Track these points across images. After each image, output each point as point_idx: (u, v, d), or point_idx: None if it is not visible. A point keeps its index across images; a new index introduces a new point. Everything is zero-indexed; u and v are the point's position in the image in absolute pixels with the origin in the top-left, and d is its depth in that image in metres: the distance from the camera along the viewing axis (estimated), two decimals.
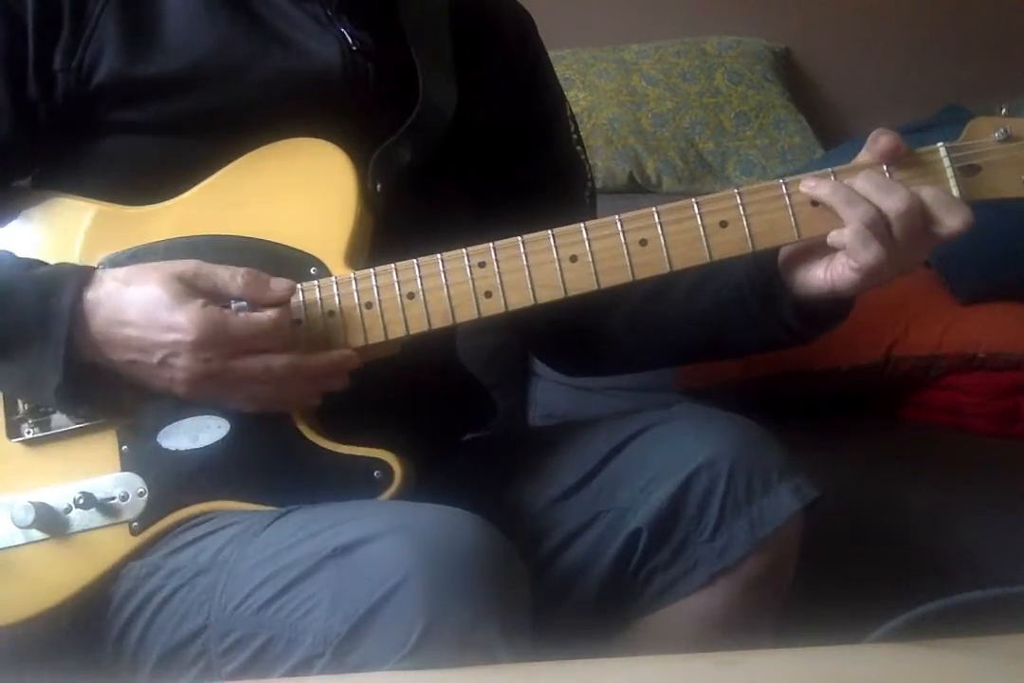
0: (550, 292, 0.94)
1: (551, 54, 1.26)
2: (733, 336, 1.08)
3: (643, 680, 0.78)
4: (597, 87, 2.15)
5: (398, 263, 0.95)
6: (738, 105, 2.18)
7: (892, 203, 0.90)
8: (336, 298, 0.95)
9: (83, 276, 0.92)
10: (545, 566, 1.02)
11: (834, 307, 1.00)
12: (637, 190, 2.12)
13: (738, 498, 0.99)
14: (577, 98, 2.11)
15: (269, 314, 0.91)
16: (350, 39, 1.04)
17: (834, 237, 0.92)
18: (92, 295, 0.91)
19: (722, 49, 2.24)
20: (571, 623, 0.99)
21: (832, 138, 2.21)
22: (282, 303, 0.93)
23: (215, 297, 0.91)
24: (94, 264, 0.99)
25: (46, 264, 0.97)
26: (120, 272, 0.94)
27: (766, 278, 1.01)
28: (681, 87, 2.17)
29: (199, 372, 0.90)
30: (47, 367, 0.90)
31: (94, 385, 0.93)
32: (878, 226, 0.90)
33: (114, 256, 0.99)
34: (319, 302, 0.95)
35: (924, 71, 2.32)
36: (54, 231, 1.02)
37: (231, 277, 0.92)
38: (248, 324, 0.91)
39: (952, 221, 0.91)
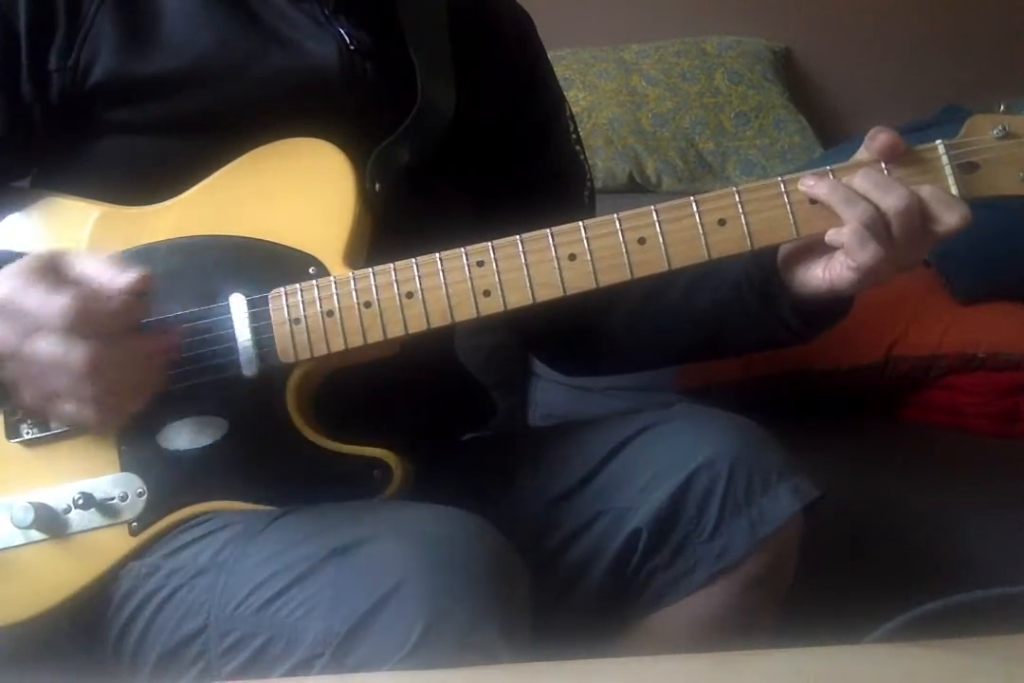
0: (549, 291, 0.94)
1: (551, 54, 1.26)
2: (732, 335, 1.08)
3: (643, 680, 0.78)
4: (597, 87, 2.15)
5: (396, 263, 0.95)
6: (738, 105, 2.18)
7: (891, 201, 0.90)
8: (335, 298, 0.95)
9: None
10: (545, 566, 1.02)
11: (833, 305, 1.00)
12: (637, 190, 2.13)
13: (738, 498, 0.99)
14: (577, 98, 2.11)
15: (69, 293, 0.82)
16: (348, 39, 1.04)
17: (832, 236, 0.92)
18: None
19: (722, 49, 2.24)
20: (571, 623, 0.99)
21: (832, 138, 2.21)
22: (133, 292, 0.84)
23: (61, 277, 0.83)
24: None
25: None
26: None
27: (765, 277, 1.01)
28: (681, 87, 2.17)
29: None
30: None
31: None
32: (876, 225, 0.90)
33: (113, 256, 0.99)
34: (317, 302, 0.95)
35: (924, 71, 2.32)
36: (52, 232, 1.02)
37: (79, 260, 0.84)
38: (45, 299, 0.81)
39: (950, 218, 0.91)
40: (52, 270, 0.83)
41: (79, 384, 0.84)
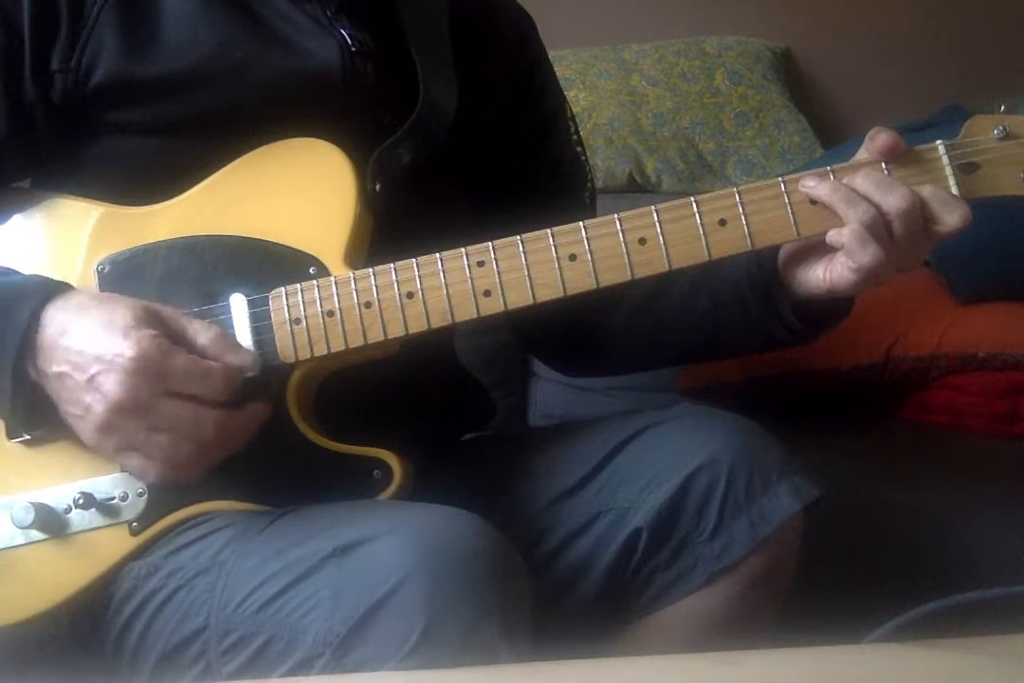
0: (549, 291, 0.94)
1: (551, 54, 1.26)
2: (733, 336, 1.08)
3: (643, 680, 0.78)
4: (597, 87, 2.15)
5: (397, 263, 0.95)
6: (738, 105, 2.18)
7: (893, 201, 0.90)
8: (335, 298, 0.95)
9: (50, 291, 0.90)
10: (545, 566, 1.02)
11: (834, 306, 1.00)
12: (637, 190, 2.13)
13: (738, 498, 0.99)
14: (577, 98, 2.11)
15: (220, 363, 0.88)
16: (350, 40, 1.04)
17: (833, 236, 0.92)
18: (56, 305, 0.89)
19: (722, 49, 2.24)
20: (571, 623, 0.99)
21: (832, 138, 2.21)
22: (241, 370, 0.90)
23: (176, 339, 0.88)
24: (93, 265, 0.99)
25: (17, 274, 0.96)
26: (96, 292, 0.93)
27: (765, 278, 1.01)
28: (681, 87, 2.17)
29: (122, 400, 0.84)
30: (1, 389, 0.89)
31: (46, 409, 0.90)
32: (877, 226, 0.90)
33: (114, 256, 0.99)
34: (318, 302, 0.95)
35: (924, 71, 2.32)
36: (54, 232, 1.02)
37: (203, 328, 0.90)
38: (194, 363, 0.87)
39: (951, 219, 0.91)
40: (169, 330, 0.88)
41: (183, 447, 0.87)
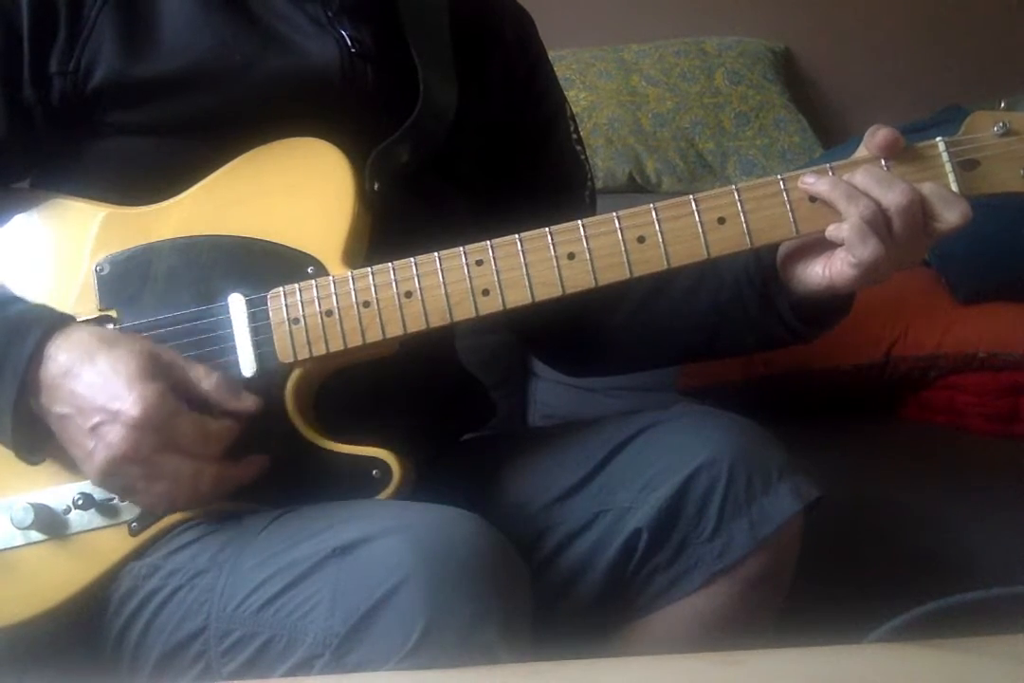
0: (548, 290, 0.94)
1: (551, 54, 1.25)
2: (732, 335, 1.08)
3: (643, 680, 0.78)
4: (597, 87, 2.15)
5: (395, 262, 0.95)
6: (738, 105, 2.18)
7: (893, 197, 0.90)
8: (333, 298, 0.95)
9: (52, 324, 0.91)
10: (545, 566, 1.02)
11: (834, 304, 1.00)
12: (637, 190, 2.12)
13: (738, 498, 0.99)
14: (577, 98, 2.11)
15: (222, 423, 0.90)
16: (349, 41, 1.04)
17: (832, 232, 0.92)
18: (60, 341, 0.90)
19: (722, 49, 2.24)
20: (571, 623, 0.99)
21: (832, 138, 2.21)
22: (241, 415, 0.92)
23: (181, 389, 0.90)
24: (92, 266, 0.99)
25: (23, 302, 0.96)
26: (99, 330, 0.93)
27: (764, 276, 1.01)
28: (681, 87, 2.17)
29: (124, 453, 0.87)
30: (1, 417, 0.90)
31: (48, 438, 0.92)
32: (877, 221, 0.90)
33: (113, 256, 0.99)
34: (316, 302, 0.95)
35: (924, 71, 2.32)
36: (53, 232, 1.02)
37: (205, 374, 0.91)
38: (197, 425, 0.89)
39: (951, 216, 0.91)
40: (172, 378, 0.90)
41: (181, 493, 0.90)
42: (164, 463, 0.88)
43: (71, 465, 0.96)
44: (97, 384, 0.88)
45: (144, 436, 0.87)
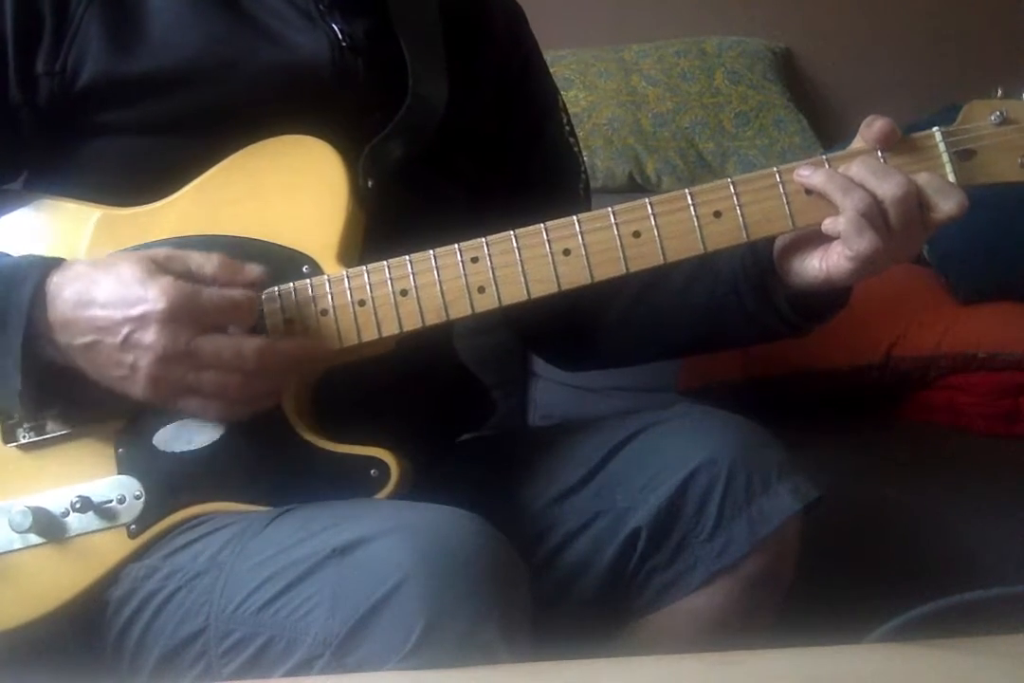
0: (544, 286, 0.94)
1: (551, 54, 1.26)
2: (730, 328, 1.08)
3: (643, 680, 0.78)
4: (597, 87, 2.15)
5: (391, 260, 0.95)
6: (738, 105, 2.18)
7: (889, 188, 0.90)
8: (329, 296, 0.95)
9: (46, 267, 0.90)
10: (545, 566, 1.02)
11: (831, 297, 1.00)
12: (637, 190, 2.12)
13: (737, 498, 0.99)
14: (577, 98, 2.11)
15: (241, 291, 0.90)
16: (340, 35, 1.04)
17: (828, 225, 0.92)
18: (58, 279, 0.89)
19: (722, 49, 2.24)
20: (571, 623, 0.99)
21: (832, 138, 2.20)
22: (254, 286, 0.92)
23: (187, 277, 0.89)
24: None
25: (9, 256, 0.96)
26: (93, 259, 0.92)
27: (761, 269, 1.01)
28: (681, 87, 2.17)
29: (167, 349, 0.86)
30: (6, 371, 0.88)
31: (58, 389, 0.91)
32: (873, 213, 0.90)
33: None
34: (312, 301, 0.95)
35: (924, 71, 2.32)
36: (45, 234, 1.02)
37: (205, 259, 0.91)
38: (221, 297, 0.88)
39: (947, 206, 0.90)
40: (176, 271, 0.89)
41: (231, 378, 0.89)
42: (203, 347, 0.87)
43: (69, 467, 0.97)
44: (112, 300, 0.87)
45: (178, 326, 0.86)
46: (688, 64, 2.20)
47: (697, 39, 2.26)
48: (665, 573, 1.01)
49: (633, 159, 2.12)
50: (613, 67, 2.18)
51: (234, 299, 0.89)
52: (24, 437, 0.98)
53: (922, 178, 0.91)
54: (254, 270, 0.92)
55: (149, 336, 0.86)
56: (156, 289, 0.86)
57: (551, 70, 1.28)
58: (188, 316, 0.87)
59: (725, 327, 1.09)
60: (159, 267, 0.89)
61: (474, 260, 0.94)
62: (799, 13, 2.35)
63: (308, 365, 0.94)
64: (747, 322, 1.05)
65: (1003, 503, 1.42)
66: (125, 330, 0.87)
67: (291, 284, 0.95)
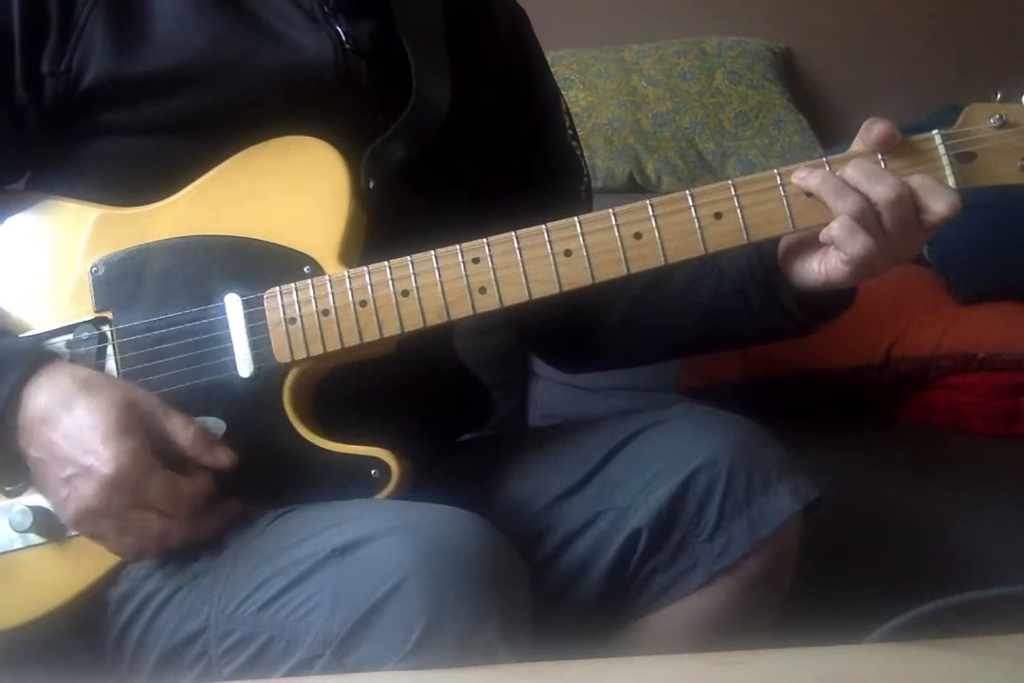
0: (545, 287, 0.94)
1: (551, 54, 1.26)
2: (734, 327, 1.08)
3: (643, 680, 0.78)
4: (597, 87, 2.15)
5: (392, 260, 0.95)
6: (738, 105, 2.18)
7: (882, 191, 0.90)
8: (330, 297, 0.95)
9: (35, 363, 0.91)
10: (545, 566, 1.02)
11: (836, 296, 1.00)
12: (637, 190, 2.12)
13: (738, 498, 0.99)
14: (577, 98, 2.11)
15: (194, 482, 0.90)
16: (344, 37, 1.04)
17: (824, 233, 0.92)
18: (42, 381, 0.90)
19: (722, 49, 2.24)
20: (571, 623, 0.99)
21: (832, 138, 2.20)
22: (220, 468, 0.92)
23: (157, 441, 0.90)
24: (87, 267, 0.99)
25: (7, 336, 0.96)
26: (80, 372, 0.92)
27: (767, 268, 1.01)
28: (681, 87, 2.17)
29: (94, 507, 0.88)
30: None
31: (24, 471, 0.93)
32: (866, 216, 0.90)
33: (108, 257, 0.99)
34: (313, 301, 0.95)
35: (924, 71, 2.32)
36: (48, 234, 1.02)
37: (182, 428, 0.91)
38: (168, 485, 0.89)
39: (938, 207, 0.90)
40: (149, 429, 0.90)
41: (150, 546, 0.91)
42: (134, 519, 0.88)
43: None
44: (73, 436, 0.88)
45: (115, 494, 0.87)
46: (688, 64, 2.20)
47: (697, 39, 2.26)
48: (665, 573, 1.01)
49: (633, 159, 2.12)
50: (613, 67, 2.18)
51: (179, 490, 0.89)
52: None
53: (915, 180, 0.91)
54: (225, 455, 0.92)
55: (86, 489, 0.87)
56: (112, 451, 0.87)
57: (551, 70, 1.28)
58: (128, 489, 0.87)
59: (729, 326, 1.08)
60: (133, 423, 0.89)
61: (475, 261, 0.94)
62: (799, 13, 2.35)
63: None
64: (752, 321, 1.05)
65: (1003, 503, 1.42)
66: (69, 470, 0.88)
67: (293, 284, 0.95)
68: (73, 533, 0.95)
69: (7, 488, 0.96)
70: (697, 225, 0.93)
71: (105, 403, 0.89)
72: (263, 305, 0.96)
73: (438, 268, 0.94)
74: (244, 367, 0.96)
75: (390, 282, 0.94)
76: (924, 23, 2.35)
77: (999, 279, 1.76)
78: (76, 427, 0.88)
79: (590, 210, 0.96)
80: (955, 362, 1.69)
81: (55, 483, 0.89)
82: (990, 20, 2.33)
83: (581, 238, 0.93)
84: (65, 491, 0.89)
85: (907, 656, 0.76)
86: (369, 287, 0.95)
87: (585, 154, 1.27)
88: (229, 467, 0.92)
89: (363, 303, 0.95)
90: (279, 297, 0.95)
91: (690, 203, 0.93)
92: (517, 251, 0.94)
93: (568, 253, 0.94)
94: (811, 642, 0.78)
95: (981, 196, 0.93)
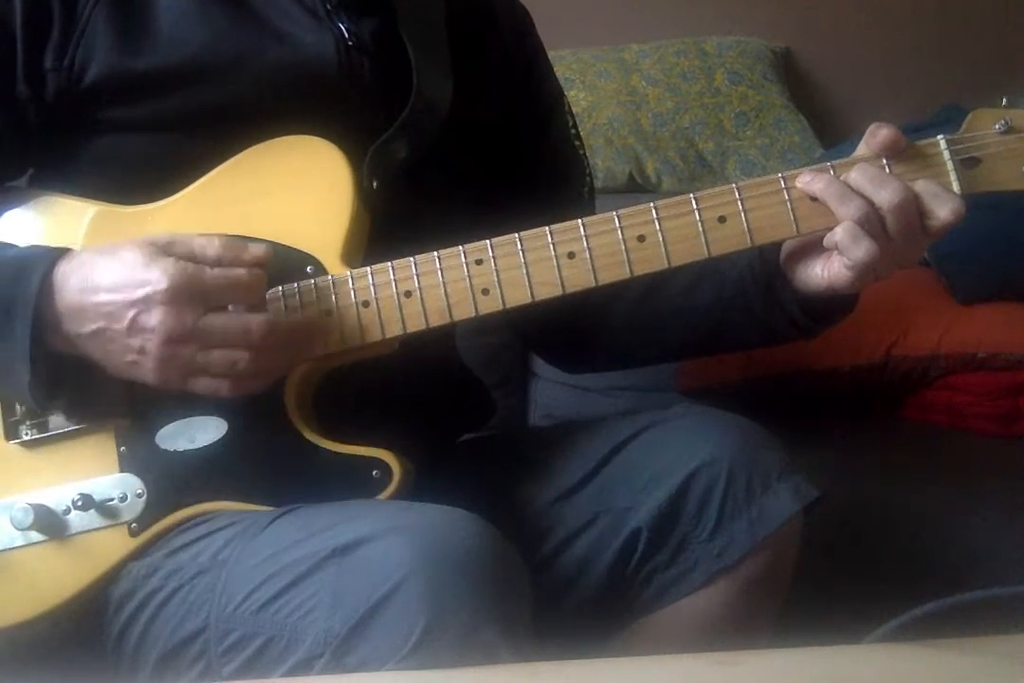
0: (548, 289, 0.94)
1: (551, 54, 1.25)
2: (735, 331, 1.08)
3: (643, 680, 0.78)
4: (597, 87, 2.15)
5: (395, 261, 0.95)
6: (738, 105, 2.18)
7: (886, 196, 0.90)
8: (333, 297, 0.95)
9: (54, 255, 0.91)
10: (545, 566, 1.02)
11: (838, 301, 1.00)
12: (637, 190, 2.13)
13: (738, 498, 0.99)
14: (577, 98, 2.11)
15: (245, 270, 0.90)
16: (347, 35, 1.04)
17: (828, 238, 0.92)
18: (64, 267, 0.89)
19: (722, 49, 2.24)
20: (571, 623, 0.99)
21: (832, 138, 2.21)
22: (260, 265, 0.91)
23: (191, 259, 0.89)
24: None
25: (14, 247, 0.96)
26: (97, 245, 0.92)
27: (769, 271, 1.01)
28: (681, 87, 2.17)
29: (173, 330, 0.86)
30: (16, 361, 0.88)
31: (65, 381, 0.91)
32: (870, 222, 0.90)
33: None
34: (316, 301, 0.95)
35: (924, 71, 2.32)
36: (50, 231, 1.02)
37: (207, 241, 0.90)
38: (225, 277, 0.88)
39: (942, 212, 0.90)
40: (179, 253, 0.89)
41: (239, 354, 0.88)
42: (209, 326, 0.87)
43: (70, 465, 0.97)
44: (116, 284, 0.87)
45: (182, 306, 0.86)
46: (688, 64, 2.20)
47: (697, 39, 2.26)
48: (665, 573, 1.01)
49: (633, 159, 2.12)
50: (613, 67, 2.18)
51: (238, 277, 0.89)
52: (27, 434, 0.98)
53: (920, 185, 0.91)
54: (259, 249, 0.91)
55: (154, 318, 0.86)
56: (158, 270, 0.86)
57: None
58: (192, 296, 0.87)
59: (730, 329, 1.09)
60: (161, 250, 0.89)
61: (478, 262, 0.94)
62: (799, 13, 2.35)
63: (310, 345, 0.94)
64: (753, 324, 1.05)
65: (1003, 503, 1.42)
66: (131, 314, 0.87)
67: (295, 284, 0.95)
68: (74, 531, 0.95)
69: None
70: (701, 228, 0.93)
71: (126, 250, 0.88)
72: (265, 305, 0.95)
73: (441, 269, 0.94)
74: None
75: (393, 283, 0.94)
76: (924, 23, 2.35)
77: (999, 279, 1.76)
78: (114, 277, 0.87)
79: (592, 211, 0.96)
80: (955, 362, 1.70)
81: (123, 338, 0.87)
82: (990, 20, 2.34)
83: (585, 240, 0.93)
84: (137, 340, 0.87)
85: (907, 656, 0.76)
86: (372, 288, 0.95)
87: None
88: (268, 259, 0.91)
89: (366, 303, 0.95)
90: (281, 297, 0.95)
91: (694, 206, 0.93)
92: (520, 253, 0.94)
93: (571, 255, 0.94)
94: (811, 642, 0.78)
95: (981, 197, 0.93)
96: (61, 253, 0.91)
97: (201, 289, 0.87)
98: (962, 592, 0.73)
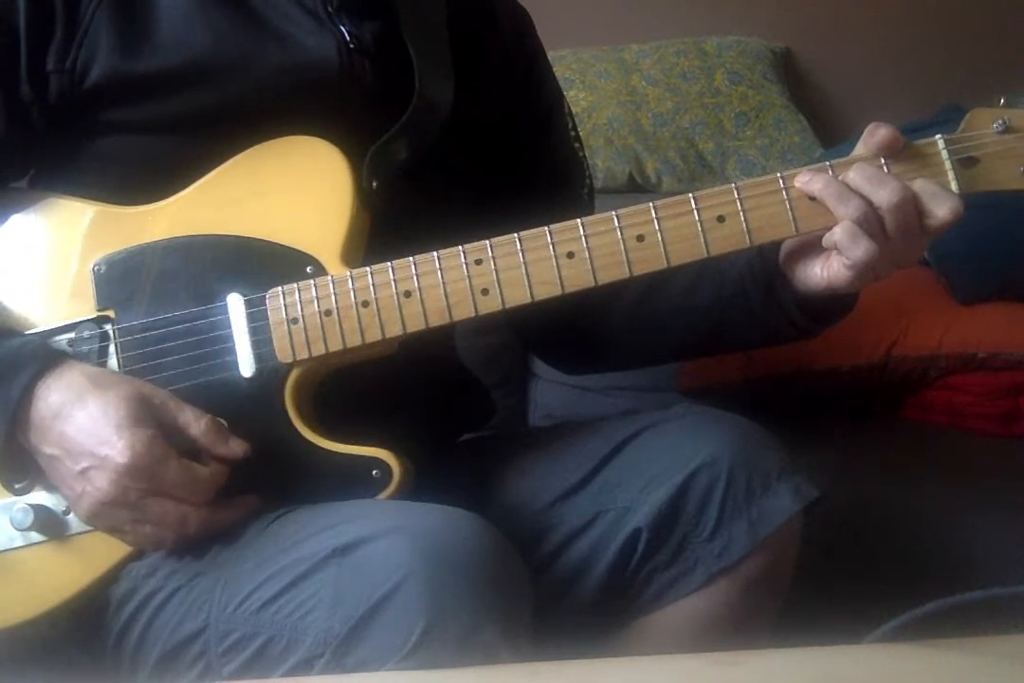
0: (547, 289, 0.94)
1: (551, 54, 1.26)
2: (735, 330, 1.08)
3: (643, 680, 0.78)
4: (597, 87, 2.15)
5: (394, 261, 0.95)
6: (738, 105, 2.18)
7: (885, 195, 0.90)
8: (333, 297, 0.95)
9: (46, 362, 0.92)
10: (545, 566, 1.02)
11: (837, 301, 1.00)
12: (637, 190, 2.13)
13: (738, 498, 0.99)
14: (577, 98, 2.11)
15: (210, 469, 0.91)
16: (348, 37, 1.04)
17: (827, 238, 0.92)
18: (51, 382, 0.91)
19: (722, 49, 2.24)
20: (571, 623, 0.99)
21: (832, 138, 2.21)
22: (228, 462, 0.92)
23: (170, 432, 0.91)
24: (89, 265, 0.99)
25: (16, 336, 0.96)
26: (91, 370, 0.93)
27: (768, 271, 1.01)
28: (681, 87, 2.17)
29: (112, 497, 0.88)
30: None
31: (32, 471, 0.94)
32: (869, 221, 0.90)
33: (110, 256, 0.99)
34: (315, 301, 0.95)
35: (924, 71, 2.32)
36: (50, 232, 1.02)
37: (195, 419, 0.92)
38: (185, 472, 0.90)
39: (940, 212, 0.90)
40: (162, 421, 0.91)
41: (168, 536, 0.91)
42: (151, 508, 0.89)
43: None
44: (87, 428, 0.89)
45: (132, 482, 0.88)
46: (688, 64, 2.20)
47: (697, 39, 2.26)
48: (665, 573, 1.01)
49: (633, 159, 2.12)
50: (613, 67, 2.18)
51: (197, 476, 0.90)
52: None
53: (918, 185, 0.91)
54: (239, 446, 0.93)
55: (102, 480, 0.88)
56: (127, 441, 0.88)
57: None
58: (144, 477, 0.88)
59: (730, 329, 1.08)
60: (146, 414, 0.90)
61: (478, 262, 0.94)
62: (799, 13, 2.35)
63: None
64: (753, 324, 1.05)
65: (1003, 503, 1.42)
66: (84, 463, 0.89)
67: (295, 284, 0.95)
68: (74, 531, 0.95)
69: (16, 486, 0.96)
70: (700, 228, 0.93)
71: (116, 397, 0.90)
72: (265, 305, 0.96)
73: (441, 269, 0.94)
74: (246, 367, 0.96)
75: (392, 283, 0.94)
76: (924, 23, 2.35)
77: (999, 279, 1.76)
78: (89, 421, 0.89)
79: (592, 212, 0.96)
80: (955, 362, 1.70)
81: (70, 478, 0.90)
82: (990, 20, 2.34)
83: (584, 240, 0.93)
84: (81, 485, 0.89)
85: (907, 656, 0.76)
86: (372, 287, 0.95)
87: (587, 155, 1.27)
88: (242, 457, 0.93)
89: (365, 303, 0.95)
90: (281, 297, 0.95)
91: (693, 206, 0.93)
92: (520, 253, 0.94)
93: (571, 255, 0.94)
94: (811, 642, 0.78)
95: (980, 197, 0.93)
96: (54, 363, 0.92)
97: (156, 475, 0.89)
98: (962, 592, 0.73)
